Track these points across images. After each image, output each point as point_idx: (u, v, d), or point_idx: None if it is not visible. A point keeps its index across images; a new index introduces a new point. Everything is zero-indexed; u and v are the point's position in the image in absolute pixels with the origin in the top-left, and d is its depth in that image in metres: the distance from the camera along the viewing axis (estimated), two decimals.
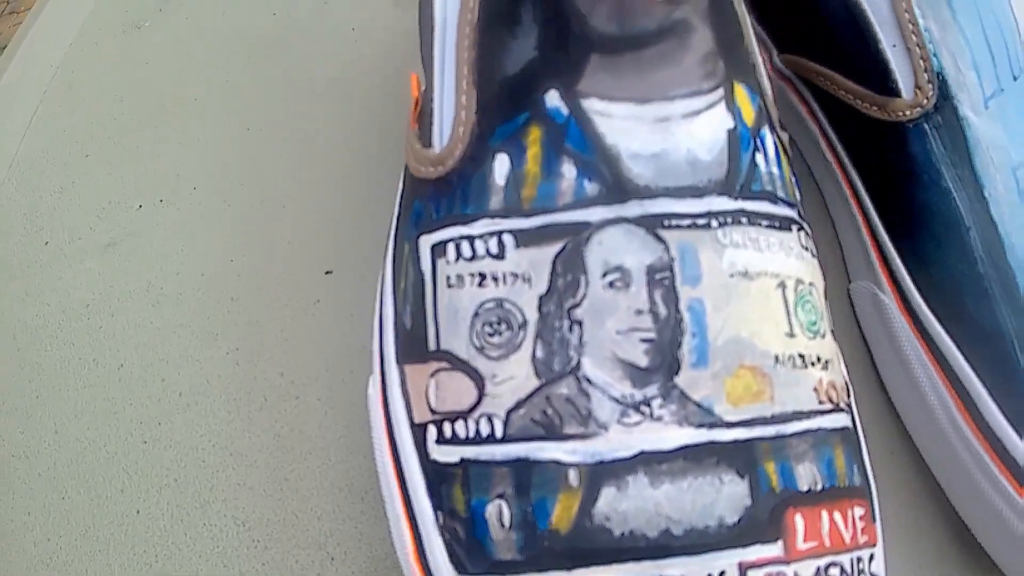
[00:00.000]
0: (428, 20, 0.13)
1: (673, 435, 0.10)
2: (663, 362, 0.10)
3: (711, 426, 0.10)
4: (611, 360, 0.10)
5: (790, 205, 0.12)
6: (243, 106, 0.20)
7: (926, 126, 0.14)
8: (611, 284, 0.10)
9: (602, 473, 0.10)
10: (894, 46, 0.15)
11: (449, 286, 0.11)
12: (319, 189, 0.18)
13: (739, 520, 0.10)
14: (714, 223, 0.11)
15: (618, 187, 0.11)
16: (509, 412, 0.10)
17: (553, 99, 0.11)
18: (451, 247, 0.11)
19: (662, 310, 0.10)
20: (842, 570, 0.10)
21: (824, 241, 0.17)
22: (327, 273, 0.16)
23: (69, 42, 0.22)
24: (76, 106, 0.20)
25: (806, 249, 0.12)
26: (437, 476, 0.10)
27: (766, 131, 0.12)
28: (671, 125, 0.11)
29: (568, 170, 0.11)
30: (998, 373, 0.13)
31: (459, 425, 0.10)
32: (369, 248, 0.15)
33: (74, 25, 0.22)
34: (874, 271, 0.15)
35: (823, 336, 0.11)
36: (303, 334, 0.15)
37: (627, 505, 0.09)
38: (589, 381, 0.10)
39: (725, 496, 0.10)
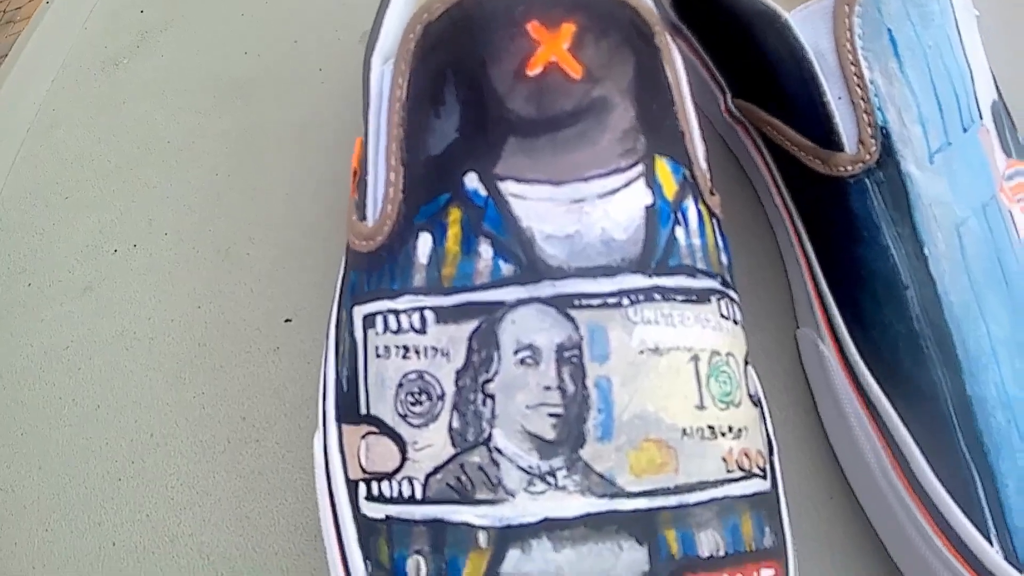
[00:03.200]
0: (366, 90, 0.14)
1: (575, 504, 0.11)
2: (569, 436, 0.11)
3: (613, 496, 0.11)
4: (520, 433, 0.11)
5: (711, 276, 0.13)
6: (213, 150, 0.21)
7: (867, 182, 0.15)
8: (522, 361, 0.11)
9: (509, 536, 0.11)
10: (839, 98, 0.15)
11: (378, 356, 0.12)
12: (280, 237, 0.19)
13: None
14: (625, 301, 0.12)
15: (532, 268, 0.12)
16: (428, 476, 0.11)
17: (472, 181, 0.12)
18: (379, 319, 0.12)
19: (570, 387, 0.11)
20: None
21: (776, 282, 0.18)
22: (287, 321, 0.17)
23: (51, 78, 0.23)
24: (58, 147, 0.22)
25: (727, 318, 0.13)
26: (367, 529, 0.12)
27: (689, 202, 0.13)
28: (586, 206, 0.12)
29: (485, 250, 0.12)
30: (932, 434, 0.14)
31: (385, 485, 0.12)
32: (326, 298, 0.17)
33: (56, 61, 0.24)
34: (816, 321, 0.16)
35: (738, 405, 0.12)
36: (264, 380, 0.17)
37: (531, 567, 0.11)
38: (499, 451, 0.11)
39: (624, 562, 0.11)
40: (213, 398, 0.17)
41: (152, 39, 0.23)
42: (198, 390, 0.17)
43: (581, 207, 0.12)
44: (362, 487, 0.12)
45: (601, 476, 0.11)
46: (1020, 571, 0.13)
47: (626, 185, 0.12)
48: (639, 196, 0.12)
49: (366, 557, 0.12)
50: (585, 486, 0.11)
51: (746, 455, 0.12)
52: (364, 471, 0.12)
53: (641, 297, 0.12)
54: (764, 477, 0.13)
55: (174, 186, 0.20)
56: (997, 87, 0.16)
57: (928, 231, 0.14)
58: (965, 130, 0.15)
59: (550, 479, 0.11)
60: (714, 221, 0.13)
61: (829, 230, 0.16)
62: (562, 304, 0.12)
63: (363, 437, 0.12)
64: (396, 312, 0.12)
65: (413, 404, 0.12)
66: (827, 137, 0.15)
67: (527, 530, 0.11)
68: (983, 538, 0.13)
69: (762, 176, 0.18)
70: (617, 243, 0.12)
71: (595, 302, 0.12)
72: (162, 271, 0.19)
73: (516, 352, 0.11)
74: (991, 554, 0.13)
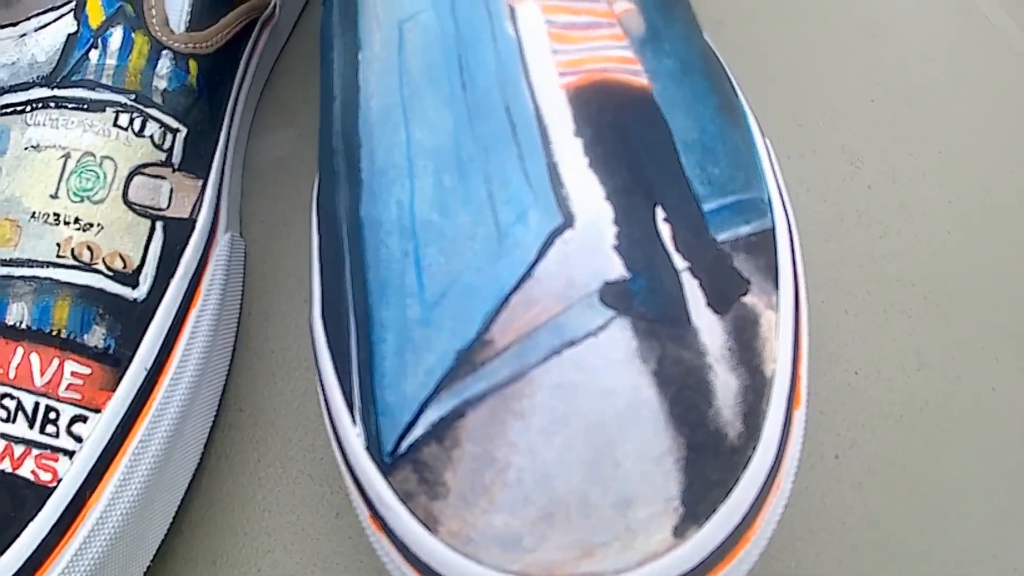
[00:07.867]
0: None
1: None
2: None
3: None
4: None
5: (120, 92, 0.14)
6: None
7: (334, 1, 0.14)
8: None
9: None
10: None
11: None
12: None
13: None
14: (28, 108, 0.15)
15: None
16: None
17: None
18: None
19: None
20: (20, 405, 0.13)
21: None
22: None
23: None
24: None
25: (123, 129, 0.14)
26: None
27: (116, 31, 0.15)
28: (27, 39, 0.15)
29: None
30: (331, 271, 0.13)
31: None
32: None
33: None
34: None
35: (96, 202, 0.14)
36: None
37: None
38: None
39: None
40: None
41: None
42: None
43: (24, 40, 0.15)
44: None
45: None
46: (380, 467, 0.10)
47: (58, 19, 0.15)
48: (65, 27, 0.15)
49: None
50: None
51: (89, 248, 0.13)
52: None
53: (40, 105, 0.14)
54: (122, 282, 0.13)
55: None
56: None
57: (368, 34, 0.13)
58: None
59: None
60: (165, 53, 0.15)
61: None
62: None
63: None
64: None
65: None
66: None
67: None
68: (347, 413, 0.11)
69: None
70: (38, 64, 0.15)
71: (9, 110, 0.15)
72: None
73: None
74: (351, 436, 0.11)
